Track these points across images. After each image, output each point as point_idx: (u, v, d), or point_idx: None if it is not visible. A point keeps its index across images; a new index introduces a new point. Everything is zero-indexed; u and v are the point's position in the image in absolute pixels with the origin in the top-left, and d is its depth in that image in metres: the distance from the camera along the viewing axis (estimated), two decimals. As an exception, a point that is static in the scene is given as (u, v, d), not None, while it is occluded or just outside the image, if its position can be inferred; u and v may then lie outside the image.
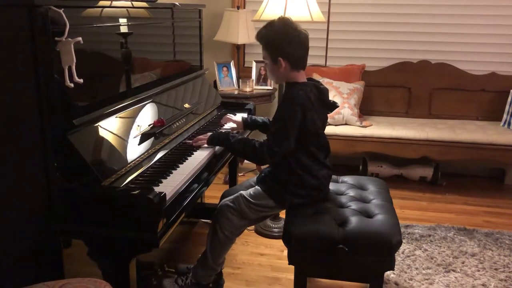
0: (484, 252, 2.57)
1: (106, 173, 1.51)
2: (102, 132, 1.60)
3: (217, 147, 2.05)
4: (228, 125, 2.34)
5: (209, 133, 2.06)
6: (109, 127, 1.65)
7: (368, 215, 1.92)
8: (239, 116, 2.33)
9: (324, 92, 1.95)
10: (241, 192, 2.00)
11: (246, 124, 2.29)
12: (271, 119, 2.21)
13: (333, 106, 2.00)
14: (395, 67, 3.75)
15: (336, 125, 3.41)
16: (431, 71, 3.69)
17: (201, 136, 2.05)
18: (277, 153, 1.85)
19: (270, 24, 1.90)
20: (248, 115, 2.44)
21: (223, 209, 1.97)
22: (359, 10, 3.75)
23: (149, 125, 1.88)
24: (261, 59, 3.70)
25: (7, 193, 1.44)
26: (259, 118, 2.28)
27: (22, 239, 1.48)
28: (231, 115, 2.42)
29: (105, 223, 1.44)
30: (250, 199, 1.96)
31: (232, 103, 2.90)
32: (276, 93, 3.53)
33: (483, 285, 2.27)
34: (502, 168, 3.72)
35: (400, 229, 1.85)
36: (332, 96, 3.27)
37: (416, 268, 2.40)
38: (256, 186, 2.01)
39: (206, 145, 2.02)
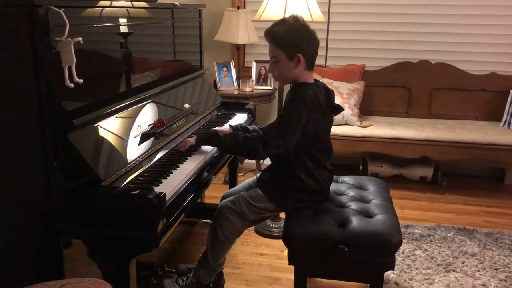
0: (484, 252, 2.57)
1: (106, 173, 1.51)
2: (102, 132, 1.60)
3: (215, 148, 2.03)
4: None
5: (196, 136, 1.98)
6: (109, 127, 1.65)
7: (368, 215, 1.92)
8: (227, 126, 2.21)
9: (332, 94, 1.93)
10: (242, 193, 1.99)
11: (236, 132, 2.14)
12: (262, 126, 2.15)
13: (339, 109, 1.97)
14: (395, 67, 3.76)
15: (336, 125, 3.41)
16: (431, 71, 3.69)
17: (188, 139, 1.98)
18: (272, 146, 1.79)
19: (284, 22, 1.85)
20: (239, 122, 2.27)
21: (224, 210, 1.96)
22: (359, 10, 3.75)
23: (149, 125, 1.88)
24: (261, 59, 3.75)
25: (7, 193, 1.45)
26: (250, 127, 2.18)
27: (22, 239, 1.48)
28: (218, 127, 2.22)
29: (105, 223, 1.44)
30: (251, 201, 1.95)
31: (232, 103, 2.90)
32: (276, 93, 3.53)
33: (483, 285, 2.27)
34: (502, 168, 3.73)
35: (400, 229, 1.85)
36: (332, 96, 3.28)
37: (416, 268, 2.40)
38: (257, 188, 1.99)
39: (193, 144, 1.94)
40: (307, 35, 1.84)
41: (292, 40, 1.83)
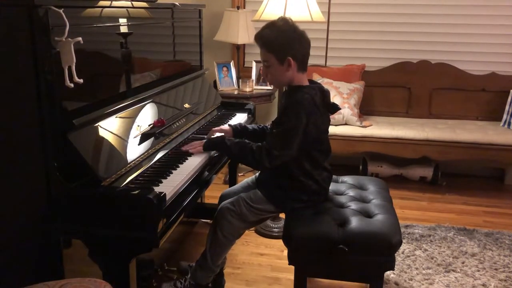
0: (484, 252, 2.57)
1: (106, 173, 1.51)
2: (102, 132, 1.60)
3: None
4: (217, 135, 2.11)
5: (204, 140, 1.98)
6: (109, 127, 1.65)
7: (368, 215, 1.92)
8: (226, 125, 2.19)
9: (327, 94, 1.92)
10: (241, 195, 1.99)
11: (235, 132, 2.13)
12: (262, 126, 2.17)
13: (335, 108, 1.97)
14: (395, 67, 3.76)
15: (336, 125, 3.41)
16: (431, 71, 3.69)
17: (196, 142, 1.98)
18: (277, 157, 1.80)
19: (273, 25, 1.84)
20: (239, 122, 2.25)
21: (223, 211, 1.95)
22: (359, 10, 3.75)
23: (149, 125, 1.88)
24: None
25: (7, 193, 1.44)
26: (250, 126, 2.17)
27: (22, 239, 1.48)
28: (217, 127, 2.20)
29: (105, 223, 1.44)
30: (251, 203, 1.94)
31: (232, 103, 2.89)
32: (276, 93, 3.53)
33: (483, 285, 2.27)
34: (502, 168, 3.72)
35: (400, 229, 1.85)
36: (332, 96, 3.27)
37: (416, 268, 2.40)
38: (256, 190, 1.99)
39: (202, 152, 1.94)
40: (297, 37, 1.81)
41: (281, 43, 1.81)
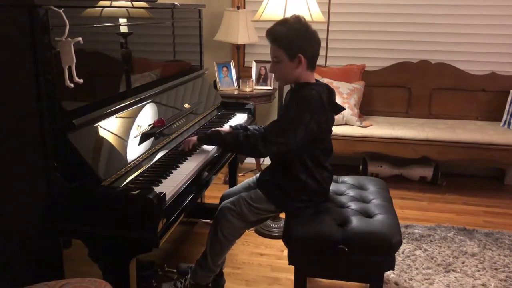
0: (484, 252, 2.57)
1: (106, 173, 1.51)
2: (102, 132, 1.60)
3: (215, 149, 2.03)
4: None
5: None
6: (109, 127, 1.65)
7: (368, 215, 1.92)
8: (227, 126, 2.19)
9: (333, 93, 1.93)
10: (242, 194, 1.99)
11: None
12: (263, 127, 2.16)
13: (340, 108, 1.97)
14: (395, 67, 3.76)
15: (336, 125, 3.41)
16: (431, 71, 3.69)
17: (190, 138, 1.99)
18: (272, 143, 1.78)
19: (285, 22, 1.85)
20: (239, 122, 2.25)
21: (224, 211, 1.95)
22: (359, 10, 3.75)
23: (149, 125, 1.88)
24: (261, 59, 3.75)
25: (7, 193, 1.44)
26: (251, 127, 2.16)
27: (22, 239, 1.48)
28: (218, 128, 2.17)
29: (105, 223, 1.44)
30: (251, 202, 1.94)
31: (232, 103, 2.89)
32: (276, 93, 3.53)
33: (483, 285, 2.27)
34: (502, 168, 3.72)
35: (400, 229, 1.85)
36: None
37: (416, 268, 2.40)
38: (257, 189, 1.99)
39: (197, 143, 1.95)
40: (308, 35, 1.83)
41: (293, 40, 1.82)
